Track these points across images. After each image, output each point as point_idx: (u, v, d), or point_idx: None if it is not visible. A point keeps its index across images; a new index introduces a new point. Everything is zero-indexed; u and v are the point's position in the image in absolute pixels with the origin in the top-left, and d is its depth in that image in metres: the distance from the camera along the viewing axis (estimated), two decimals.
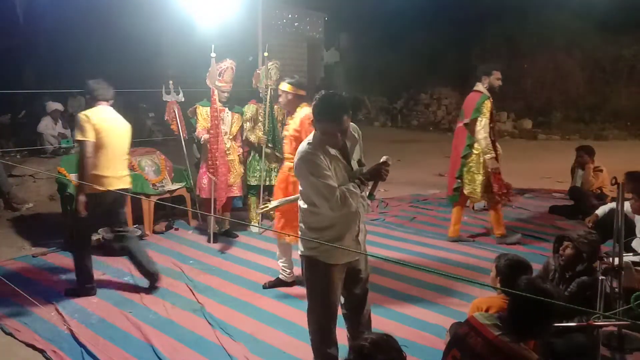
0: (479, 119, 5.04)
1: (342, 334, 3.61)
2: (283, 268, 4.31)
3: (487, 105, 5.06)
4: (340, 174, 2.61)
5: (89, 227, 4.21)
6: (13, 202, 6.50)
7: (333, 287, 2.75)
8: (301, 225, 2.78)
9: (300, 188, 2.76)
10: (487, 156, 5.03)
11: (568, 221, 6.13)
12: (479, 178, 5.14)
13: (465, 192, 5.27)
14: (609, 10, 13.74)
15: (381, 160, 2.67)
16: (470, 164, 5.18)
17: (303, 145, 2.64)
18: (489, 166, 5.05)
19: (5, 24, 10.17)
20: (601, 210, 4.99)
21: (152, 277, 4.25)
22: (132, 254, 4.25)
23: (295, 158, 2.65)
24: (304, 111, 3.94)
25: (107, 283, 4.42)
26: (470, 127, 5.12)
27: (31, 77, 11.22)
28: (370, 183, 2.70)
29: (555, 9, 15.28)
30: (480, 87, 5.19)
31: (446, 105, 17.59)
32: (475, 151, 5.14)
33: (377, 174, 2.65)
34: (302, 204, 2.75)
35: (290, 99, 4.08)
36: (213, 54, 5.00)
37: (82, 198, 3.84)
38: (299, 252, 2.83)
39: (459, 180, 5.26)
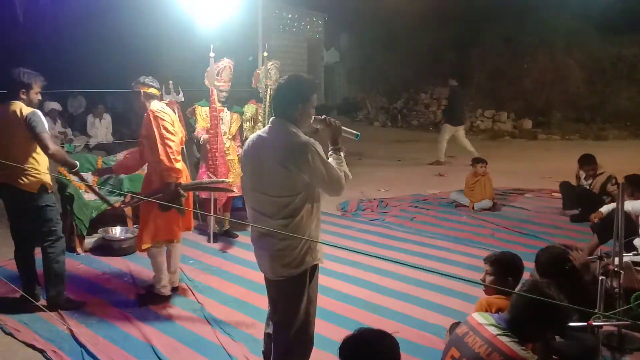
0: None
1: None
2: (162, 284, 4.04)
3: None
4: None
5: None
6: None
7: None
8: (282, 243, 2.46)
9: (281, 196, 2.45)
10: None
11: (569, 222, 6.14)
12: None
13: None
14: (609, 10, 13.73)
15: (321, 118, 2.61)
16: None
17: (297, 135, 2.46)
18: None
19: (5, 24, 10.17)
20: (605, 209, 5.01)
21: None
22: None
23: (297, 150, 2.41)
24: None
25: (107, 283, 4.42)
26: None
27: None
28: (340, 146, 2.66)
29: (554, 9, 15.27)
30: None
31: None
32: None
33: (334, 129, 2.61)
34: (289, 214, 2.45)
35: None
36: (212, 54, 5.01)
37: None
38: (297, 272, 2.51)
39: None
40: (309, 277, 2.56)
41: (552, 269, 2.97)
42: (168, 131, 3.81)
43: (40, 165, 3.74)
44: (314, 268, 2.59)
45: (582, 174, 6.48)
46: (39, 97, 3.86)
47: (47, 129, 3.75)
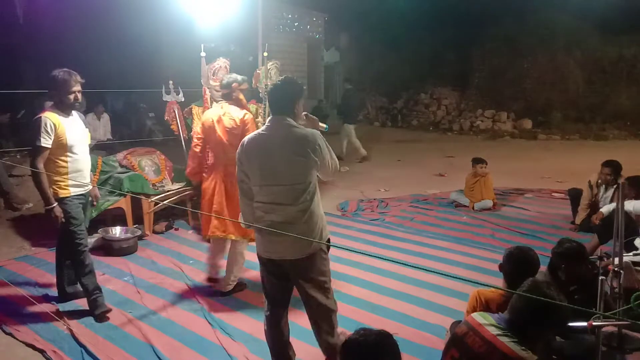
0: None
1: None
2: (234, 279, 4.17)
3: None
4: None
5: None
6: (13, 202, 6.50)
7: None
8: (304, 225, 2.72)
9: (305, 182, 2.71)
10: None
11: (569, 222, 6.14)
12: None
13: None
14: (609, 10, 13.75)
15: (304, 114, 2.93)
16: None
17: (302, 127, 2.75)
18: None
19: (5, 24, 10.18)
20: (605, 209, 4.99)
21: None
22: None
23: (312, 139, 2.70)
24: None
25: (107, 283, 4.42)
26: None
27: (31, 77, 11.23)
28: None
29: (555, 9, 15.29)
30: None
31: (446, 105, 17.61)
32: None
33: (314, 123, 2.93)
34: (307, 199, 2.71)
35: None
36: (203, 54, 5.04)
37: None
38: (312, 251, 2.78)
39: None
40: (328, 248, 2.89)
41: (568, 256, 3.19)
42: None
43: (53, 173, 3.57)
44: (329, 240, 2.89)
45: (598, 179, 5.66)
46: (75, 97, 3.59)
47: (43, 141, 3.45)
